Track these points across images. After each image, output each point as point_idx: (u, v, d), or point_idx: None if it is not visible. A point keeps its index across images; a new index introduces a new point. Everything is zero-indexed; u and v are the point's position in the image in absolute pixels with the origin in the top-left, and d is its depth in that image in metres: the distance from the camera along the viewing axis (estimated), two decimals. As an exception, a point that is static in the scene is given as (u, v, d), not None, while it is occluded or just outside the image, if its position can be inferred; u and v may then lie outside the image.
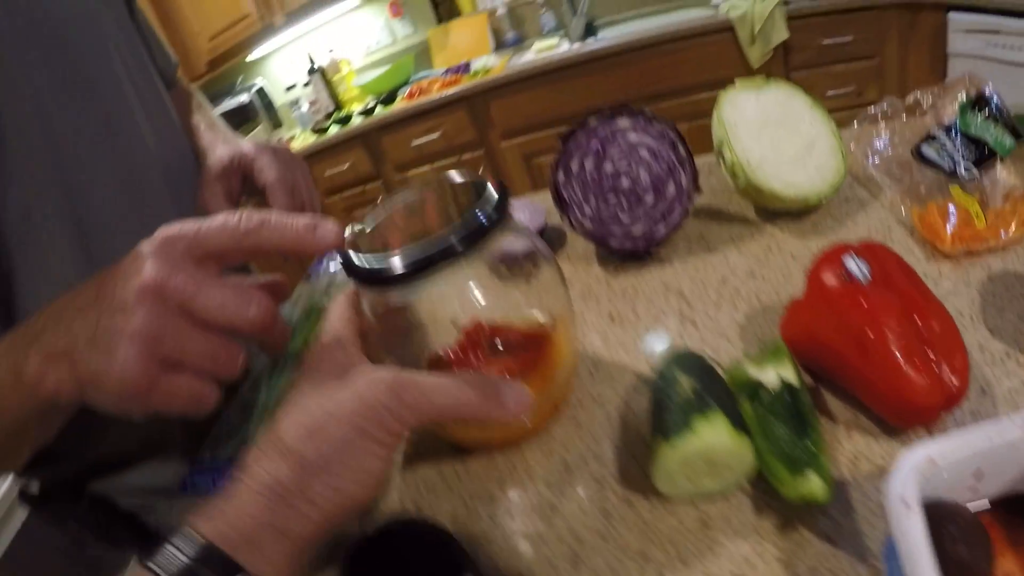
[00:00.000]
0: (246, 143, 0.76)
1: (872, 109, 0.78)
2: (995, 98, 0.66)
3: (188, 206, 0.73)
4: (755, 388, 0.47)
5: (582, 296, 0.69)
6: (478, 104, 2.49)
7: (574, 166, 0.68)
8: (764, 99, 0.72)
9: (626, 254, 0.70)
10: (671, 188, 0.68)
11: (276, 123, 3.12)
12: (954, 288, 0.57)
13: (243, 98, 2.93)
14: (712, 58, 2.30)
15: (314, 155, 2.66)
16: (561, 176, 0.69)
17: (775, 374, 0.47)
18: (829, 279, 0.49)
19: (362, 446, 0.35)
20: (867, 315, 0.46)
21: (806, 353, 0.51)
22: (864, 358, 0.45)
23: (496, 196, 0.43)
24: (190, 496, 0.62)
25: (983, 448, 0.32)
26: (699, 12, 2.50)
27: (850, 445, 0.46)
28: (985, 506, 0.34)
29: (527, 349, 0.52)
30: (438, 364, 0.52)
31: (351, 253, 0.42)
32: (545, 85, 2.41)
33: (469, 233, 0.40)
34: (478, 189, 0.45)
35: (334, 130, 2.67)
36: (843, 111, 2.25)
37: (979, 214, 0.60)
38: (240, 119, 2.88)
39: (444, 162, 2.63)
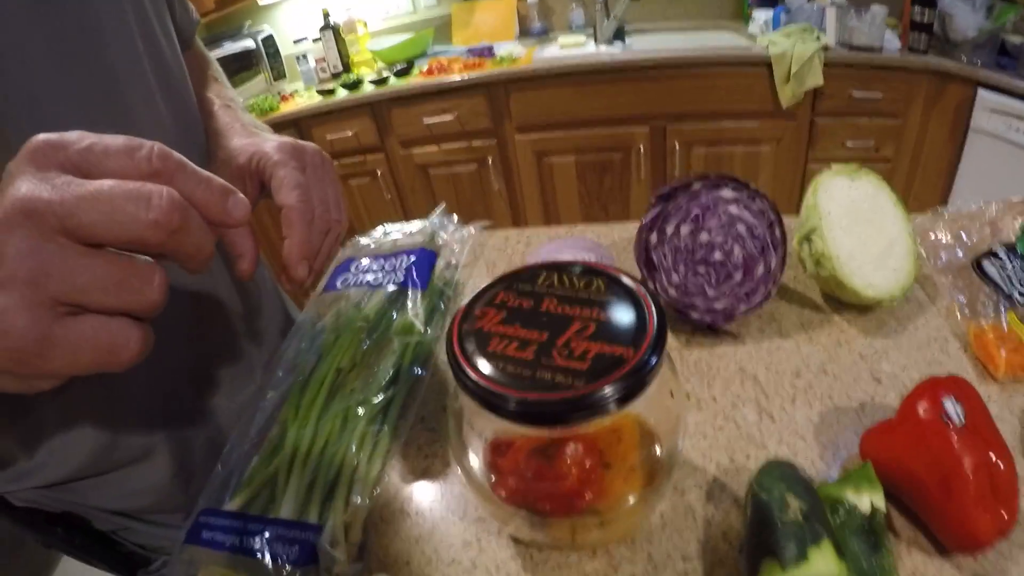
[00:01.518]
0: (269, 140, 0.62)
1: (942, 209, 0.80)
2: None
3: None
4: (837, 503, 0.49)
5: (655, 365, 0.68)
6: (498, 93, 2.44)
7: (669, 229, 0.67)
8: (856, 190, 0.71)
9: (709, 328, 0.68)
10: (760, 269, 0.67)
11: (279, 74, 3.00)
12: (999, 414, 0.58)
13: (248, 43, 2.81)
14: (742, 89, 2.30)
15: (317, 116, 2.57)
16: (654, 237, 0.67)
17: (869, 500, 0.49)
18: (924, 412, 0.51)
19: None
20: (956, 459, 0.48)
21: (886, 472, 0.52)
22: (945, 494, 0.48)
23: (655, 326, 0.38)
24: (201, 547, 0.50)
25: None
26: (732, 37, 2.50)
27: (910, 562, 0.48)
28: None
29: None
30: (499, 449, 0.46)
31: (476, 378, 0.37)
32: (569, 85, 2.37)
33: (629, 388, 0.35)
34: (617, 292, 0.42)
35: (341, 94, 2.58)
36: (855, 161, 2.29)
37: None
38: (241, 65, 2.76)
39: (454, 145, 2.57)
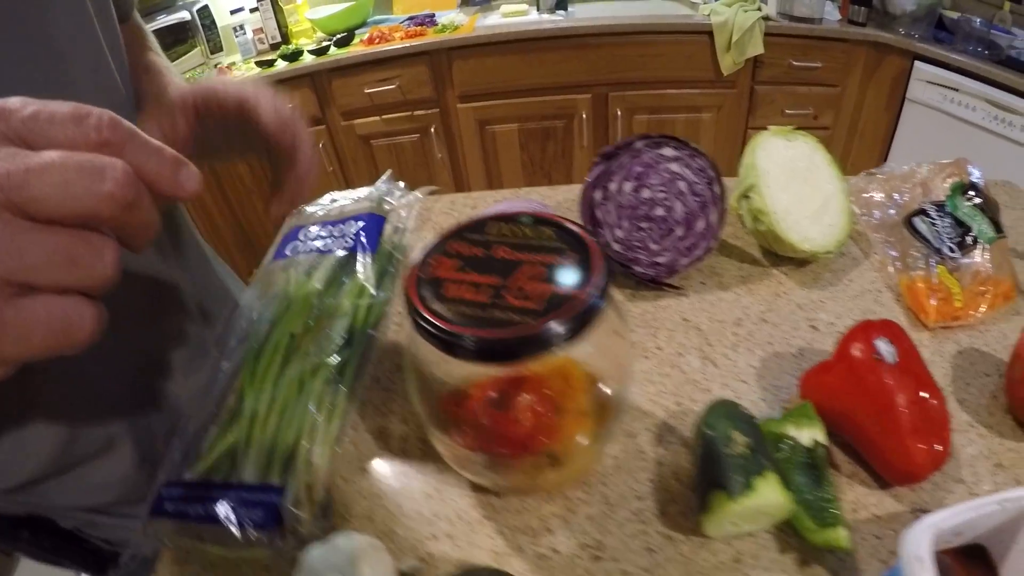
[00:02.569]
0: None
1: (874, 171, 0.83)
2: (983, 188, 0.72)
3: None
4: (779, 439, 0.52)
5: (602, 319, 0.70)
6: (440, 61, 2.42)
7: (612, 186, 0.69)
8: (792, 149, 0.74)
9: (651, 281, 0.71)
10: (701, 224, 0.69)
11: (215, 47, 2.90)
12: (931, 359, 0.62)
13: (182, 14, 2.69)
14: (683, 57, 2.33)
15: (257, 87, 2.50)
16: (598, 195, 0.69)
17: (809, 435, 0.52)
18: (858, 352, 0.54)
19: None
20: (890, 394, 0.51)
21: (825, 410, 0.55)
22: (880, 429, 0.51)
23: (601, 269, 0.40)
24: (166, 520, 0.49)
25: (969, 518, 0.39)
26: (674, 6, 2.52)
27: (852, 494, 0.51)
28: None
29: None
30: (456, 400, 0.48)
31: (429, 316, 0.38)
32: (512, 53, 2.37)
33: (580, 323, 0.38)
34: (566, 239, 0.44)
35: (280, 65, 2.52)
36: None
37: (959, 294, 0.66)
38: (176, 38, 2.64)
39: (395, 115, 2.54)
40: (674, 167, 0.68)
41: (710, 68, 2.33)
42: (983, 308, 0.66)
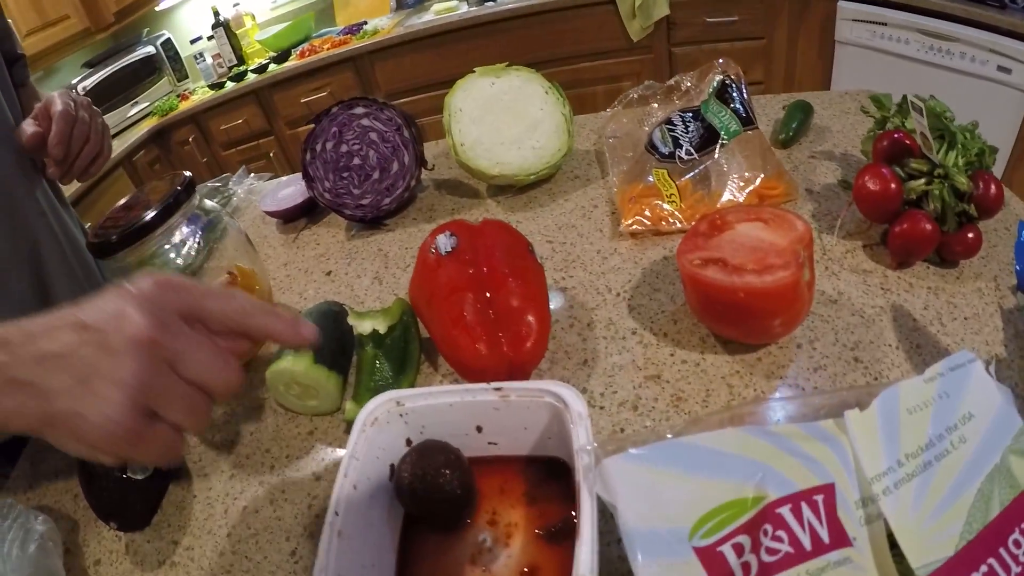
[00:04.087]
0: None
1: (631, 92, 0.87)
2: (738, 86, 0.73)
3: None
4: (380, 335, 0.59)
5: (318, 256, 0.83)
6: (364, 65, 2.56)
7: (318, 147, 0.81)
8: (499, 85, 0.83)
9: (361, 221, 0.83)
10: (395, 166, 0.81)
11: (182, 75, 3.11)
12: (620, 265, 0.66)
13: (148, 49, 2.91)
14: (594, 29, 2.39)
15: (210, 109, 2.70)
16: (308, 156, 0.82)
17: (370, 325, 0.59)
18: (428, 250, 0.57)
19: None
20: (435, 284, 0.54)
21: (417, 311, 0.59)
22: (432, 319, 0.55)
23: (184, 186, 0.63)
24: None
25: (441, 403, 0.44)
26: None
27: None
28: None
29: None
30: None
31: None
32: (430, 49, 2.49)
33: (162, 210, 0.60)
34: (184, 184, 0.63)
35: (229, 86, 2.71)
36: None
37: (673, 196, 0.67)
38: (146, 71, 2.85)
39: (337, 120, 2.70)
40: (365, 122, 0.81)
41: (622, 37, 2.38)
42: (724, 199, 0.65)
